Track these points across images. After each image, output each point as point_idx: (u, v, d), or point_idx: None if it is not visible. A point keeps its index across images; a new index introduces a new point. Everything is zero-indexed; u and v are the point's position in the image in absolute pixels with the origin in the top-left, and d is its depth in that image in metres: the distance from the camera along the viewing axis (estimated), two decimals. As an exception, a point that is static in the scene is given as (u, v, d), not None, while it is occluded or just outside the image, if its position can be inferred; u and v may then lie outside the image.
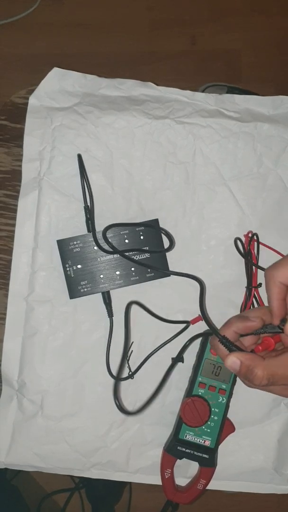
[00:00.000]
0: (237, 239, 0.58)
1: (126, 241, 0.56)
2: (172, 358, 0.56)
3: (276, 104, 0.59)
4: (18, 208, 0.58)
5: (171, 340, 0.57)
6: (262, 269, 0.56)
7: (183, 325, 0.57)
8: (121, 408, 0.55)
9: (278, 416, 0.58)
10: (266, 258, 0.57)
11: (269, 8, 1.30)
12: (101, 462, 0.58)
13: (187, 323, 0.57)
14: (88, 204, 0.57)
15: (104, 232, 0.56)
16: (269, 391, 0.46)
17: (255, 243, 0.57)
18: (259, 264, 0.57)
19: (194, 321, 0.57)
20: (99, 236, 0.56)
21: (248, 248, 0.57)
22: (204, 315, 0.52)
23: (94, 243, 0.56)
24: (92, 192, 0.57)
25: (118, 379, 0.57)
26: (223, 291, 0.58)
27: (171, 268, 0.57)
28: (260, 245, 0.57)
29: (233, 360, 0.43)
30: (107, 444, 0.58)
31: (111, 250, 0.55)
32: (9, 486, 0.95)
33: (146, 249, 0.56)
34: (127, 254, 0.56)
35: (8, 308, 0.58)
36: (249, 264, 0.57)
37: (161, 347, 0.57)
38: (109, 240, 0.56)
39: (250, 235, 0.57)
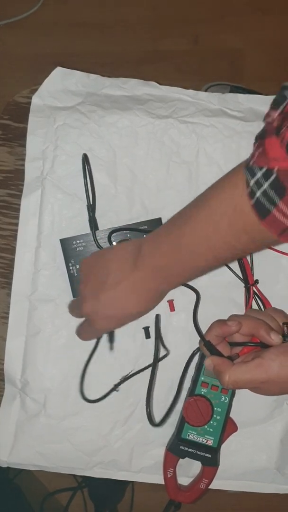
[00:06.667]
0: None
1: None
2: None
3: (279, 103, 0.59)
4: (21, 207, 0.58)
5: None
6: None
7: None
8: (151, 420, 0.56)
9: (281, 416, 0.58)
10: (260, 254, 0.58)
11: (272, 7, 1.30)
12: (104, 461, 0.58)
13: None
14: (91, 202, 0.57)
15: (109, 236, 0.56)
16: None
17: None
18: (254, 260, 0.58)
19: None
20: (102, 235, 0.56)
21: None
22: (195, 320, 0.56)
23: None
24: (95, 190, 0.57)
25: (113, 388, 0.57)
26: (226, 290, 0.58)
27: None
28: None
29: (209, 363, 0.50)
30: (110, 443, 0.58)
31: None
32: (12, 485, 0.95)
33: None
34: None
35: (11, 307, 0.58)
36: (242, 264, 0.57)
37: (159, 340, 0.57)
38: (112, 240, 0.56)
39: None
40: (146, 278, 0.49)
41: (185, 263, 0.47)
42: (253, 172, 0.39)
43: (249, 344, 0.51)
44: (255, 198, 0.39)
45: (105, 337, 0.58)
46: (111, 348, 0.58)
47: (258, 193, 0.38)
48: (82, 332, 0.55)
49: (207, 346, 0.51)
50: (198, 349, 0.57)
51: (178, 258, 0.47)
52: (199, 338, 0.52)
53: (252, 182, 0.38)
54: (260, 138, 0.39)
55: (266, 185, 0.38)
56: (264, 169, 0.38)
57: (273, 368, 0.46)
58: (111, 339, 0.58)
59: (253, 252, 0.49)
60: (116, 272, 0.49)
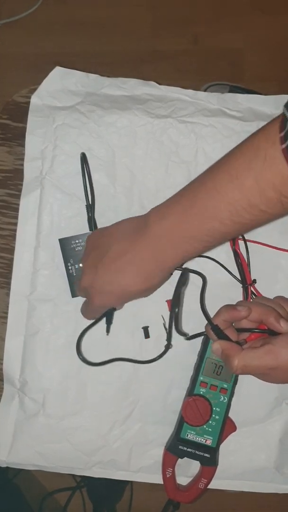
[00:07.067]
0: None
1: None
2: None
3: (279, 103, 0.59)
4: (20, 207, 0.58)
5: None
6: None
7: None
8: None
9: (280, 415, 0.58)
10: (259, 254, 0.58)
11: (272, 7, 1.30)
12: (103, 461, 0.58)
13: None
14: (90, 202, 0.57)
15: None
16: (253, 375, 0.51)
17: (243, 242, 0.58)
18: (252, 260, 0.58)
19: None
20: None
21: (233, 248, 0.57)
22: (202, 304, 0.54)
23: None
24: (94, 190, 0.57)
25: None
26: (225, 289, 0.58)
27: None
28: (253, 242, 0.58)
29: (217, 347, 0.49)
30: (109, 443, 0.58)
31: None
32: (11, 485, 0.95)
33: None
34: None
35: (10, 307, 0.58)
36: (239, 264, 0.57)
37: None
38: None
39: None
40: (149, 247, 0.47)
41: (196, 227, 0.44)
42: None
43: (257, 330, 0.51)
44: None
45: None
46: (108, 330, 0.56)
47: None
48: (83, 310, 0.55)
49: (214, 330, 0.50)
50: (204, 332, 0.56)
51: (188, 221, 0.44)
52: (206, 322, 0.51)
53: None
54: None
55: None
56: None
57: (283, 355, 0.46)
58: (108, 320, 0.55)
59: (274, 219, 0.44)
60: (118, 244, 0.48)
